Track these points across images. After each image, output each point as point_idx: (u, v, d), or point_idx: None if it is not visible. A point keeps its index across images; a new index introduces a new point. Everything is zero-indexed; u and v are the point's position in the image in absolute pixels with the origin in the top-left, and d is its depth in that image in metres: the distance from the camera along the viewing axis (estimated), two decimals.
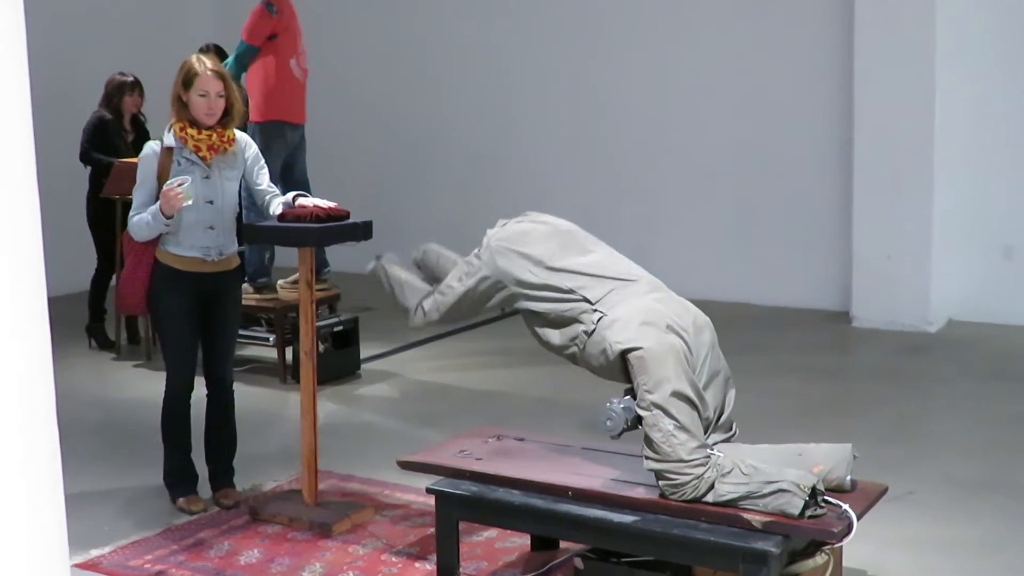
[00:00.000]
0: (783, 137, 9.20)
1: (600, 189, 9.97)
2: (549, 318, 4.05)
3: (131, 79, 8.06)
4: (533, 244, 4.12)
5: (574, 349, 3.98)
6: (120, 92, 8.01)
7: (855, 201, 8.58)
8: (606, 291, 3.95)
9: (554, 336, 4.05)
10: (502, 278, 4.12)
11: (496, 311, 4.45)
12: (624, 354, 3.78)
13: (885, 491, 3.90)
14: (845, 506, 3.58)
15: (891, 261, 8.38)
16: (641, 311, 3.85)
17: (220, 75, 4.83)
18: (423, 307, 4.38)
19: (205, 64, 4.82)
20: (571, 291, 3.98)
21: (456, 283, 4.26)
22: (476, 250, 4.25)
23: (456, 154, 10.73)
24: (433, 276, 4.62)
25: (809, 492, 3.52)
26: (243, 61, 7.36)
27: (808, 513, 3.52)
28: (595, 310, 3.92)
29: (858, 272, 8.60)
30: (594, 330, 3.89)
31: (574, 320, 3.97)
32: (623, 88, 9.83)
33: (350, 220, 4.91)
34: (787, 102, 9.16)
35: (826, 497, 3.59)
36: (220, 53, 7.79)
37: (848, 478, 3.75)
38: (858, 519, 3.57)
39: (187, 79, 4.80)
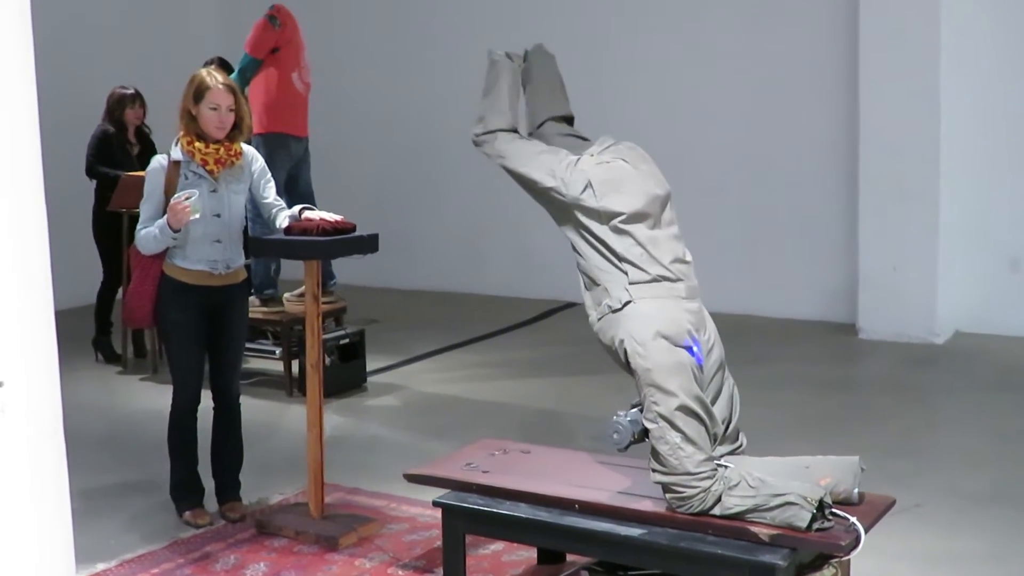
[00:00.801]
0: (788, 148, 9.20)
1: None
2: (583, 264, 4.01)
3: (131, 91, 8.09)
4: (621, 195, 3.99)
5: (593, 314, 3.95)
6: (121, 105, 8.04)
7: (860, 213, 8.58)
8: (648, 278, 3.87)
9: (584, 291, 4.00)
10: (572, 206, 4.01)
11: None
12: (627, 355, 3.77)
13: (892, 504, 3.89)
14: (852, 519, 3.57)
15: (897, 273, 8.37)
16: (663, 317, 3.79)
17: (231, 89, 4.85)
18: (496, 137, 4.22)
19: (216, 78, 4.84)
20: (620, 258, 3.90)
21: (535, 165, 4.10)
22: (577, 157, 4.08)
23: (461, 165, 10.72)
24: (528, 78, 4.46)
25: (816, 505, 3.50)
26: (246, 74, 7.39)
27: (815, 526, 3.51)
28: (627, 290, 3.86)
29: (864, 284, 8.59)
30: (618, 310, 3.86)
31: (603, 285, 3.92)
32: (626, 100, 9.82)
33: (356, 233, 4.92)
34: (792, 113, 9.17)
35: (833, 510, 3.58)
36: (225, 66, 7.80)
37: (855, 491, 3.74)
38: (866, 532, 3.56)
39: (198, 92, 4.81)
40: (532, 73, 4.50)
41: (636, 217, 3.97)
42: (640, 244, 3.92)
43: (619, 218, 3.94)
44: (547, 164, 4.10)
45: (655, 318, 3.79)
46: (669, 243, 4.01)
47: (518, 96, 4.42)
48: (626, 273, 3.89)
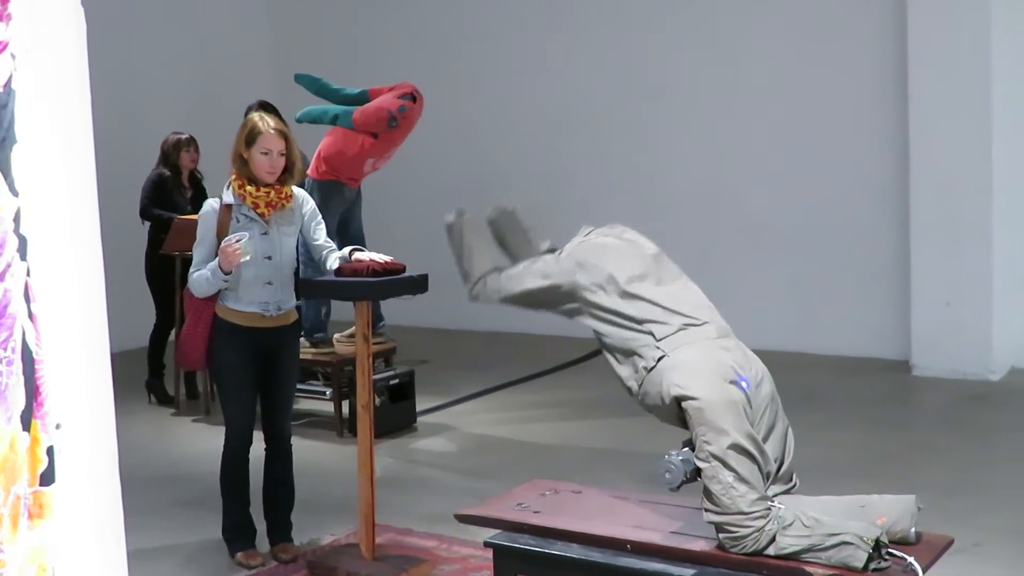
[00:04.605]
0: (839, 185, 9.16)
1: (656, 238, 9.96)
2: (609, 342, 4.01)
3: (186, 136, 8.21)
4: (613, 263, 4.06)
5: (633, 384, 3.94)
6: (177, 149, 8.16)
7: (913, 249, 8.51)
8: (674, 329, 3.89)
9: (616, 365, 4.01)
10: (574, 291, 4.07)
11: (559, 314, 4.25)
12: (679, 401, 3.75)
13: (951, 543, 3.83)
14: (910, 559, 3.52)
15: (951, 309, 8.28)
16: (703, 358, 3.80)
17: (283, 134, 4.90)
18: (486, 281, 4.28)
19: (268, 123, 4.89)
20: (640, 321, 3.93)
21: (528, 278, 4.18)
22: (558, 252, 4.18)
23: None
24: (501, 239, 4.53)
25: (873, 544, 3.46)
26: (336, 121, 7.44)
27: (872, 566, 3.46)
28: (658, 347, 3.88)
29: (917, 320, 8.50)
30: (653, 367, 3.85)
31: (634, 352, 3.93)
32: (678, 139, 9.85)
33: (406, 274, 4.94)
34: (842, 149, 9.13)
35: (890, 550, 3.53)
36: (269, 109, 7.83)
37: (912, 530, 3.69)
38: (923, 572, 3.51)
39: (250, 137, 4.87)
40: (502, 229, 4.59)
41: (638, 275, 4.02)
42: (654, 303, 3.96)
43: (622, 280, 3.99)
44: (536, 271, 4.19)
45: (695, 360, 3.79)
46: (683, 293, 4.05)
47: (487, 239, 4.52)
48: (651, 333, 3.90)
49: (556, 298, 4.14)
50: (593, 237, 4.20)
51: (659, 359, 3.85)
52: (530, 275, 4.21)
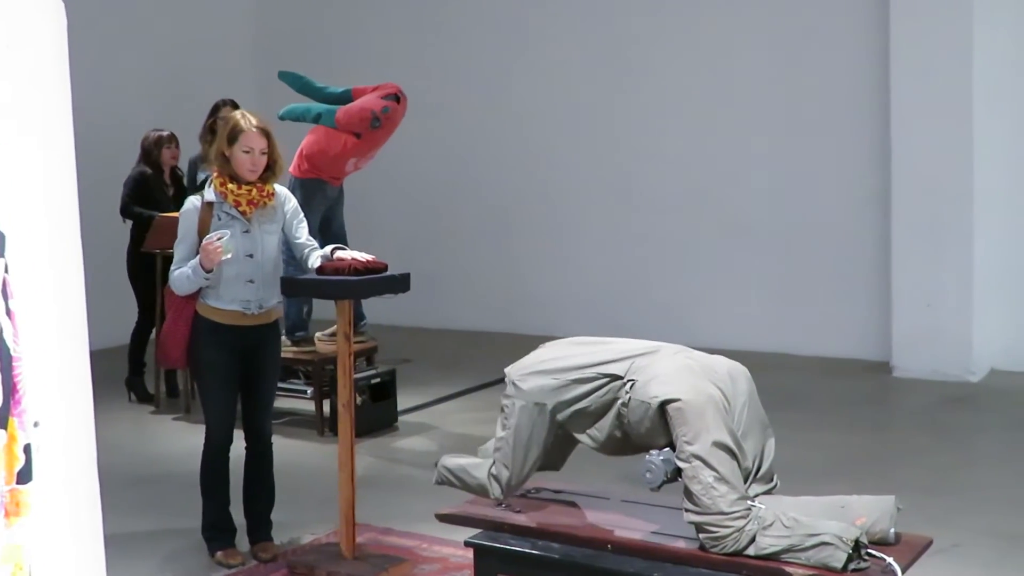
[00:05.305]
0: (821, 188, 9.19)
1: (639, 240, 9.98)
2: (591, 411, 3.99)
3: (167, 133, 8.19)
4: (547, 360, 4.11)
5: (624, 428, 3.93)
6: (158, 146, 8.13)
7: (894, 250, 8.54)
8: (629, 364, 3.93)
9: (604, 427, 3.98)
10: (535, 398, 4.04)
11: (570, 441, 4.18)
12: (663, 405, 3.75)
13: (930, 544, 3.84)
14: (889, 559, 3.53)
15: (931, 310, 8.31)
16: (674, 365, 3.83)
17: (264, 132, 4.88)
18: (493, 475, 4.19)
19: (250, 121, 4.87)
20: (597, 376, 3.95)
21: (502, 431, 4.14)
22: (502, 396, 4.20)
23: (492, 206, 10.78)
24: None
25: (852, 545, 3.47)
26: (317, 121, 7.40)
27: (852, 566, 3.47)
28: (626, 381, 3.90)
29: (898, 322, 8.53)
30: (630, 397, 3.86)
31: (612, 400, 3.93)
32: (657, 140, 9.86)
33: (388, 272, 4.93)
34: (825, 152, 9.16)
35: (870, 550, 3.54)
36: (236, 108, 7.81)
37: (892, 531, 3.70)
38: (902, 572, 3.51)
39: (232, 135, 4.85)
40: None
41: (573, 354, 4.06)
42: (602, 362, 3.97)
43: (561, 363, 4.02)
44: (500, 420, 4.14)
45: (667, 369, 3.81)
46: (623, 344, 4.08)
47: (466, 456, 4.47)
48: (613, 376, 3.92)
49: (533, 418, 4.05)
50: (521, 360, 4.21)
51: (632, 387, 3.86)
52: (501, 428, 4.15)
